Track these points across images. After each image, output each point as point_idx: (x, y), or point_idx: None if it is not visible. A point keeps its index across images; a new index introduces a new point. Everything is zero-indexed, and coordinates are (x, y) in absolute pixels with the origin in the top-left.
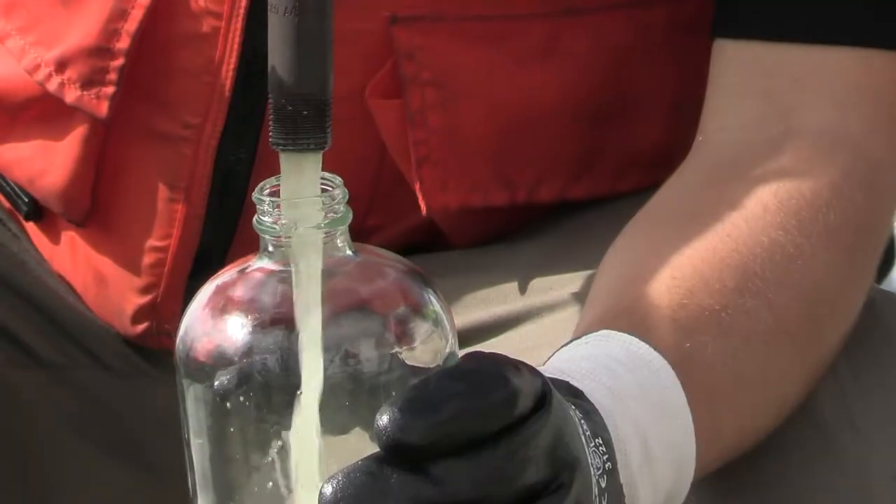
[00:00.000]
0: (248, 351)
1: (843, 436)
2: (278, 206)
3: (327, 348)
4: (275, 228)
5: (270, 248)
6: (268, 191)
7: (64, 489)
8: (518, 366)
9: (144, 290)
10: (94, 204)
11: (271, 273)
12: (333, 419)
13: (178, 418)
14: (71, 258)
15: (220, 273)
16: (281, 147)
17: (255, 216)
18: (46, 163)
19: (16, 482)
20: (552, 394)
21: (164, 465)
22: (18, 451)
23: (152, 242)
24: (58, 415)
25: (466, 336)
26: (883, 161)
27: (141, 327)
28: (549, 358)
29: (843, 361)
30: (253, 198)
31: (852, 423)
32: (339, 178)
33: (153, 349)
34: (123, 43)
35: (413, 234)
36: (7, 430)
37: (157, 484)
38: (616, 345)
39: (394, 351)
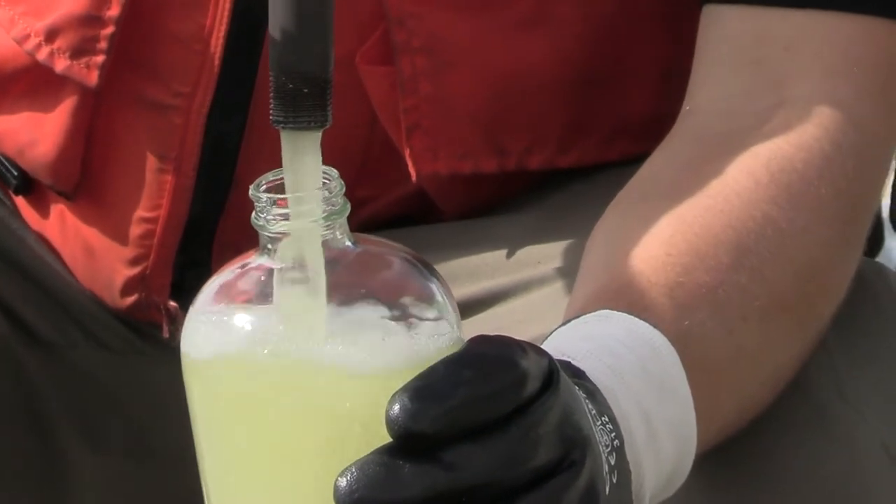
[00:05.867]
0: (251, 348)
1: (832, 406)
2: (276, 203)
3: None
4: (272, 225)
5: (269, 245)
6: (264, 187)
7: (65, 467)
8: (524, 347)
9: (133, 262)
10: (84, 175)
11: (271, 270)
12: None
13: (173, 399)
14: (60, 231)
15: (221, 270)
16: (281, 125)
17: (253, 213)
18: (36, 133)
19: (22, 458)
20: (559, 373)
21: (160, 445)
22: (23, 427)
23: (141, 213)
24: (57, 392)
25: None
26: (873, 129)
27: (130, 300)
28: (548, 336)
29: (832, 332)
30: (250, 194)
31: (841, 393)
32: (336, 171)
33: (147, 329)
34: (114, 10)
35: (403, 205)
36: (13, 406)
37: (156, 465)
38: (616, 324)
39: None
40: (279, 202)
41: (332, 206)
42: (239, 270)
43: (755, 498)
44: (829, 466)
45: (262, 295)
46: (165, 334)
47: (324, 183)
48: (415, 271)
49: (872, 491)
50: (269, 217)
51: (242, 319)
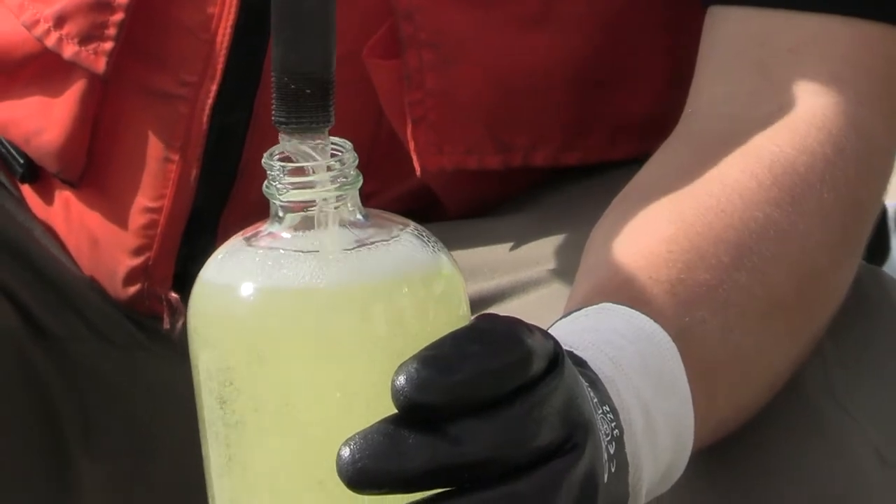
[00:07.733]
0: (260, 318)
1: (826, 411)
2: (289, 172)
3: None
4: (283, 194)
5: (280, 214)
6: (277, 156)
7: (69, 463)
8: (530, 327)
9: (137, 252)
10: (89, 163)
11: (281, 239)
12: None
13: (176, 395)
14: (65, 220)
15: (230, 239)
16: (283, 125)
17: (265, 181)
18: (43, 121)
19: (29, 454)
20: (564, 356)
21: (163, 441)
22: (32, 422)
23: (146, 203)
24: (63, 386)
25: None
26: (874, 134)
27: (132, 290)
28: (549, 328)
29: (826, 337)
30: (263, 163)
31: (835, 398)
32: (349, 143)
33: (150, 323)
34: None
35: (407, 201)
36: (23, 399)
37: (158, 461)
38: (617, 317)
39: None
40: (290, 172)
41: (344, 177)
42: (249, 239)
43: (748, 500)
44: (822, 470)
45: (269, 266)
46: (166, 325)
47: (337, 154)
48: (425, 245)
49: (865, 495)
50: (279, 185)
51: (252, 254)
